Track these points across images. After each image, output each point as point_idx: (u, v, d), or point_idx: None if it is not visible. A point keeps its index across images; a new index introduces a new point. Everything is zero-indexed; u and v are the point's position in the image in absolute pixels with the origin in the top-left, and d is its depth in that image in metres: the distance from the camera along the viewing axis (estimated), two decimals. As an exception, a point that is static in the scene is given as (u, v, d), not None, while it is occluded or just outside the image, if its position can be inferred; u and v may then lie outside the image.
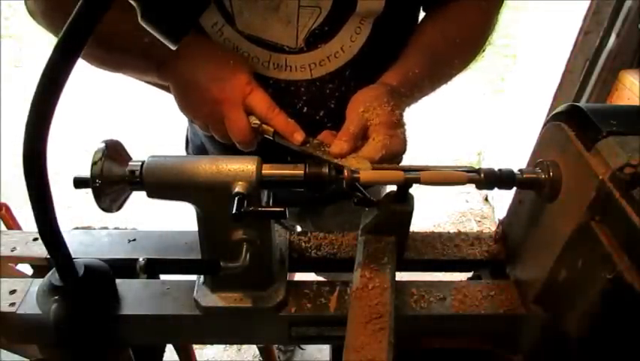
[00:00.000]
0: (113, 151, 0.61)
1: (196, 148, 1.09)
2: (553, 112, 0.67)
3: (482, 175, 0.63)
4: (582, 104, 0.63)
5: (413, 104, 0.82)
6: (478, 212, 2.85)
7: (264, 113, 0.72)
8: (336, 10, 0.76)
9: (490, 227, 2.71)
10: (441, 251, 0.80)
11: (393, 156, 0.67)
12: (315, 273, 0.97)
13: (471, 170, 0.64)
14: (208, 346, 2.05)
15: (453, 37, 0.82)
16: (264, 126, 0.73)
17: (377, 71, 0.80)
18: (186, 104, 0.77)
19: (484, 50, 0.88)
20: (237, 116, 0.72)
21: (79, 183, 0.59)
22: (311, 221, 1.21)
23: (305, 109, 0.84)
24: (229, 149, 0.76)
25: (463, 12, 0.83)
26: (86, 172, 0.59)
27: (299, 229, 1.29)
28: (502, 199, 2.56)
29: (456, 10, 0.83)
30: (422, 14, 0.89)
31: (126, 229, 0.87)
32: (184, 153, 1.16)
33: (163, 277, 0.77)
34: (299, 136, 0.71)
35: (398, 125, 0.69)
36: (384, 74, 0.79)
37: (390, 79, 0.77)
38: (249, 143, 0.73)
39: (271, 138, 0.73)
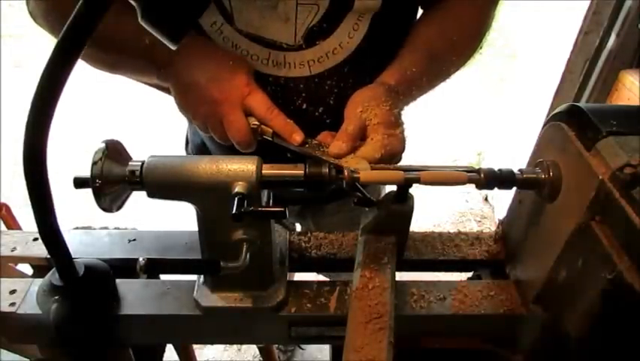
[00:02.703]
0: (113, 151, 0.61)
1: (196, 148, 1.09)
2: (553, 112, 0.67)
3: (482, 175, 0.63)
4: (582, 104, 0.63)
5: (411, 103, 0.82)
6: (478, 212, 2.85)
7: (262, 114, 0.72)
8: (333, 7, 0.76)
9: (490, 227, 2.70)
10: (441, 251, 0.80)
11: (392, 155, 0.67)
12: (317, 273, 0.97)
13: (471, 170, 0.64)
14: (208, 346, 2.05)
15: (450, 35, 0.82)
16: (263, 127, 0.73)
17: (375, 67, 0.80)
18: (185, 104, 0.77)
19: (481, 48, 0.88)
20: (236, 117, 0.72)
21: (79, 183, 0.59)
22: (312, 219, 1.21)
23: (304, 106, 0.84)
24: (231, 149, 0.76)
25: (460, 9, 0.84)
26: (86, 172, 0.59)
27: (299, 227, 1.29)
28: (502, 199, 2.56)
29: (453, 8, 0.83)
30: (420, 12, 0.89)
31: (126, 229, 0.87)
32: (184, 153, 1.16)
33: (163, 277, 0.77)
34: (298, 137, 0.71)
35: (396, 124, 0.69)
36: (382, 73, 0.79)
37: (388, 78, 0.77)
38: (248, 144, 0.73)
39: (270, 139, 0.73)
